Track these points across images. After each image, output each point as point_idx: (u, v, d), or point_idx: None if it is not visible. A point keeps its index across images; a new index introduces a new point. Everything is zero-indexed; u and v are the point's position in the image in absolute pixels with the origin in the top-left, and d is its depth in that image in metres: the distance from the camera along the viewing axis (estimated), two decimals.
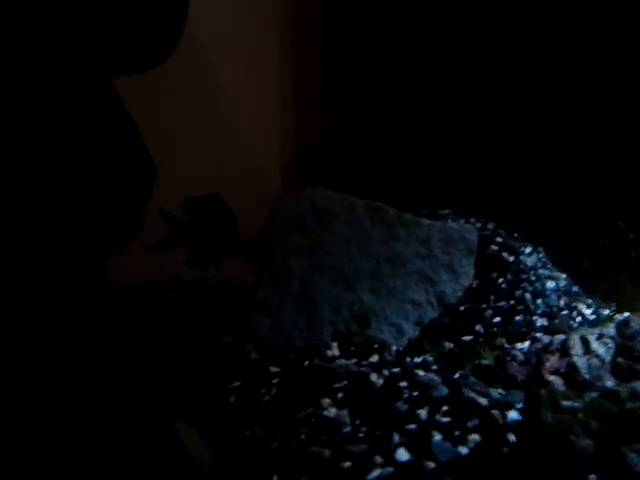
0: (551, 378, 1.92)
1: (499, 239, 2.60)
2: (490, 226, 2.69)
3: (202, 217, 2.34)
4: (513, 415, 1.44)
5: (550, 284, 2.43)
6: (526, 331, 2.26)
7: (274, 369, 1.95)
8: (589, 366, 1.91)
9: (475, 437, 1.36)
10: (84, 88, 1.80)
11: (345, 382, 1.64)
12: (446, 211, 2.82)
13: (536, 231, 2.89)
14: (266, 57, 3.42)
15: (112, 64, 1.77)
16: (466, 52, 3.13)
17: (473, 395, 1.47)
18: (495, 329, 2.31)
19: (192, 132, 3.02)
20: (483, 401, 1.48)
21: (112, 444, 1.41)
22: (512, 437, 1.35)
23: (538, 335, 2.19)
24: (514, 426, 1.38)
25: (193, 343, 2.09)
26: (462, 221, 2.64)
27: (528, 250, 2.59)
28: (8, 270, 1.67)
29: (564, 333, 2.14)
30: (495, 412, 1.43)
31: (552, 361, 1.95)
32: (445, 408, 1.46)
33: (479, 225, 2.67)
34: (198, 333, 2.16)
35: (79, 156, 1.75)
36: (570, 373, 1.92)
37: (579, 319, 2.33)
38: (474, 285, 2.48)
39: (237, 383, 1.93)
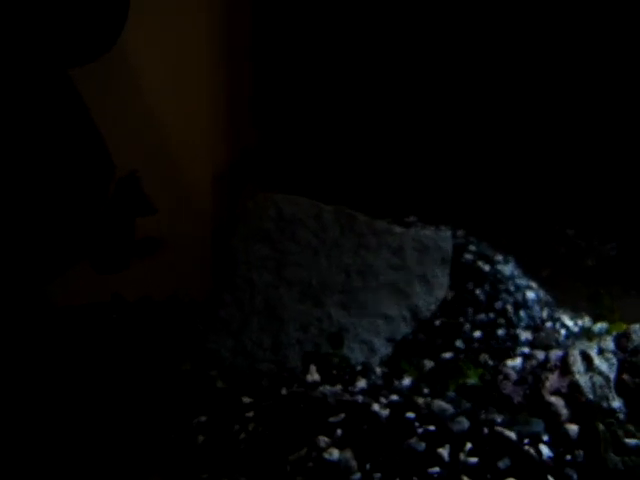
0: (552, 399, 1.75)
1: (472, 247, 2.43)
2: (460, 233, 2.52)
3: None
4: (545, 451, 1.25)
5: (530, 294, 2.28)
6: (511, 346, 2.10)
7: (246, 399, 1.70)
8: (593, 385, 1.76)
9: None
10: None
11: (342, 415, 1.40)
12: (412, 218, 2.63)
13: (497, 239, 2.75)
14: (198, 71, 3.26)
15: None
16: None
17: (499, 428, 1.27)
18: (477, 344, 2.14)
19: (121, 146, 2.78)
20: (511, 435, 1.28)
21: None
22: None
23: (526, 350, 2.03)
24: (553, 466, 1.18)
25: (149, 372, 1.81)
26: (432, 229, 2.46)
27: (502, 258, 2.43)
28: None
29: (551, 348, 1.99)
30: (528, 448, 1.23)
31: (552, 380, 1.78)
32: (469, 446, 1.25)
33: (449, 233, 2.49)
34: (154, 360, 1.89)
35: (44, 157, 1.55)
36: (573, 393, 1.75)
37: (564, 332, 2.18)
38: (449, 297, 2.30)
39: (203, 418, 1.67)
